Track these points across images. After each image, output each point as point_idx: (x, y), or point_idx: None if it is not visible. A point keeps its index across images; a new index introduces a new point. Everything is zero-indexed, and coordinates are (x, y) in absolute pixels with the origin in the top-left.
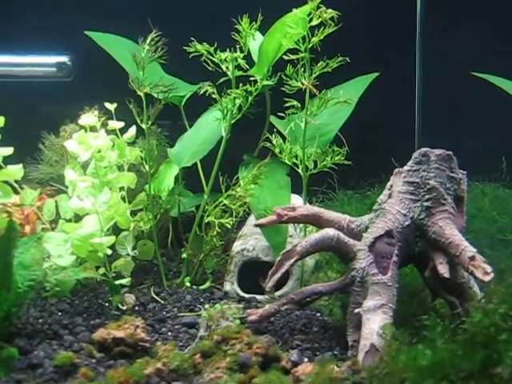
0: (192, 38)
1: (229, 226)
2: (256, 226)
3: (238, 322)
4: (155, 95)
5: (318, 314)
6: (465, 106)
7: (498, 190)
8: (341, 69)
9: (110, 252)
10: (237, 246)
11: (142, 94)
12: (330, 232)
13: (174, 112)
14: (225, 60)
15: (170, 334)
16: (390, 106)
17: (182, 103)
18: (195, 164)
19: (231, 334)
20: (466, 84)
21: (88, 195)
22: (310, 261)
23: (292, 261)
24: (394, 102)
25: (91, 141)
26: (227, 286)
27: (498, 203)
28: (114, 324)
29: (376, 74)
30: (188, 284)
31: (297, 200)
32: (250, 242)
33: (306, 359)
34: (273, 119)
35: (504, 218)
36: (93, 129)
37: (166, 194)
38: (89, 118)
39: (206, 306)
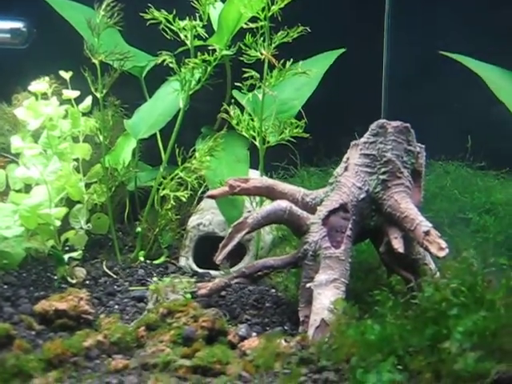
0: (150, 5)
1: (184, 200)
2: (207, 197)
3: (188, 296)
4: (112, 64)
5: (273, 290)
6: (433, 85)
7: (461, 169)
8: (308, 44)
9: (59, 223)
10: (193, 221)
11: (96, 62)
12: (283, 204)
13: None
14: (183, 29)
15: (116, 307)
16: (357, 82)
17: (143, 75)
18: (155, 137)
19: (177, 307)
20: (434, 63)
21: (35, 164)
22: (267, 237)
23: (243, 233)
24: (361, 79)
25: (42, 108)
26: (182, 261)
27: (460, 182)
28: (57, 296)
29: (342, 50)
30: (142, 259)
31: (255, 175)
32: (207, 216)
33: (254, 334)
34: (235, 92)
35: (465, 197)
36: (45, 97)
37: (122, 166)
38: (39, 84)
39: (155, 278)
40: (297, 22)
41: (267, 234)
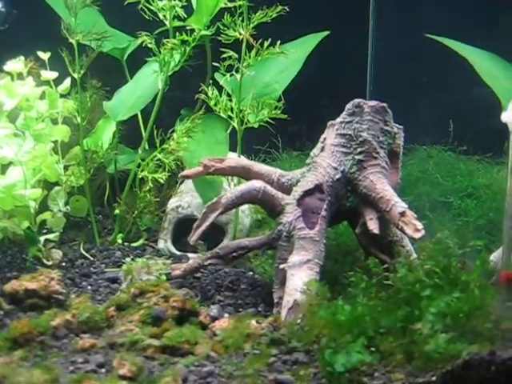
0: None
1: (162, 182)
2: (181, 177)
3: (163, 277)
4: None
5: (251, 273)
6: (418, 69)
7: (444, 153)
8: (294, 26)
9: (33, 204)
10: (172, 203)
11: (73, 42)
12: (257, 184)
13: None
14: (162, 9)
15: (90, 288)
16: (342, 65)
17: (125, 57)
18: (137, 120)
19: (149, 287)
20: (420, 45)
21: (9, 144)
22: (246, 219)
23: (217, 213)
24: (345, 62)
25: (17, 88)
26: (161, 244)
27: (443, 166)
28: (28, 276)
29: (326, 33)
30: (120, 241)
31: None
32: (186, 199)
33: (226, 315)
34: (216, 74)
35: (447, 181)
36: (21, 77)
37: (102, 149)
38: (14, 64)
39: (128, 259)
40: (282, 4)
41: (246, 216)
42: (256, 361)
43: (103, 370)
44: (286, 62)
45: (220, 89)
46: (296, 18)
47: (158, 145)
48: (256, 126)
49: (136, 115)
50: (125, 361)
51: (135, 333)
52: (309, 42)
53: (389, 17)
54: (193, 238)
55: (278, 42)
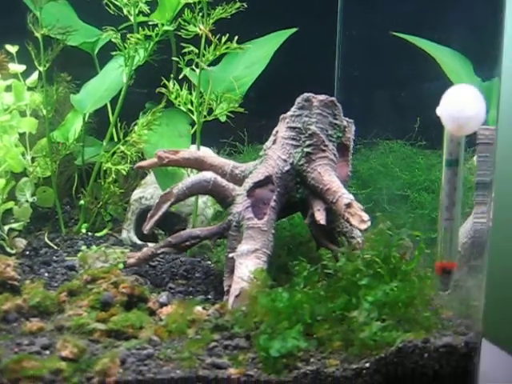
0: None
1: (124, 173)
2: (136, 167)
3: (120, 265)
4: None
5: (208, 262)
6: (384, 65)
7: (405, 147)
8: (262, 23)
9: None
10: (135, 195)
11: (39, 36)
12: (207, 175)
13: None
14: (126, 4)
15: (47, 275)
16: (310, 61)
17: (95, 51)
18: (106, 112)
19: (100, 273)
20: (387, 44)
21: None
22: (208, 211)
23: (169, 203)
24: (313, 58)
25: None
26: (124, 234)
27: (403, 160)
28: None
29: (294, 30)
30: (84, 231)
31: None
32: (149, 190)
33: (175, 302)
34: (184, 69)
35: (406, 175)
36: None
37: (70, 141)
38: None
39: (83, 247)
40: (244, 1)
41: (208, 207)
42: (196, 344)
43: (47, 352)
44: (253, 58)
45: (189, 83)
46: (264, 14)
47: (121, 137)
48: (211, 119)
49: (106, 108)
50: (67, 343)
51: (82, 317)
52: (277, 39)
53: (356, 13)
54: (147, 227)
55: (236, 38)
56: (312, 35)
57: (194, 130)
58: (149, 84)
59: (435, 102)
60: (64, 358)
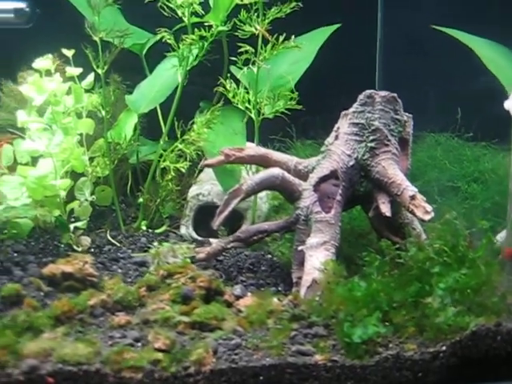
0: None
1: (183, 170)
2: (205, 165)
3: (188, 260)
4: (112, 41)
5: (269, 256)
6: (426, 59)
7: (452, 140)
8: (306, 20)
9: (63, 194)
10: (192, 191)
11: (97, 40)
12: (275, 171)
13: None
14: (181, 6)
15: (120, 271)
16: (352, 57)
17: (144, 52)
18: (156, 113)
19: (176, 268)
20: (427, 37)
21: (40, 137)
22: (264, 206)
23: (238, 199)
24: (356, 54)
25: (45, 84)
26: (182, 230)
27: (450, 153)
28: (64, 260)
29: (337, 26)
30: (144, 228)
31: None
32: (206, 187)
33: (249, 294)
34: (232, 68)
35: (454, 167)
36: (48, 74)
37: (125, 140)
38: (43, 61)
39: (155, 244)
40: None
41: (264, 203)
42: (279, 334)
43: (139, 344)
44: (298, 54)
45: (237, 82)
46: (308, 11)
47: (178, 136)
48: (271, 116)
49: (155, 108)
50: (159, 335)
51: (166, 310)
52: (320, 35)
53: (397, 8)
54: (216, 223)
55: (292, 38)
56: (354, 30)
57: None
58: (197, 83)
59: (479, 94)
60: (158, 350)
